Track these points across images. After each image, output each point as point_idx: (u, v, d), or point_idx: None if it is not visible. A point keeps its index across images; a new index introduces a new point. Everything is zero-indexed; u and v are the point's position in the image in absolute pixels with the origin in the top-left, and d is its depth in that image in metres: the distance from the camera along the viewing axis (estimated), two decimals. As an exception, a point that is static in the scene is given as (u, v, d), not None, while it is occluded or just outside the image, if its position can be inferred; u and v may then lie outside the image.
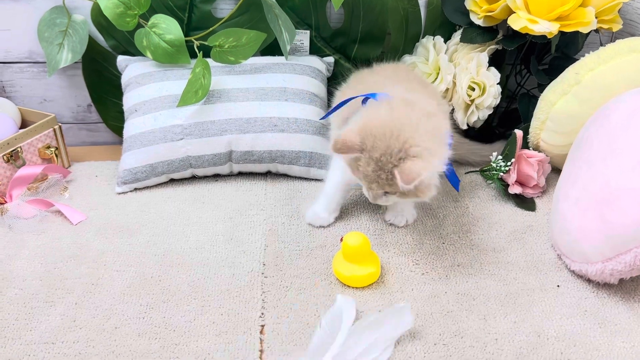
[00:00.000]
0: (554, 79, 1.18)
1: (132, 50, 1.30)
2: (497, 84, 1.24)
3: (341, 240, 0.96)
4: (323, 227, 1.10)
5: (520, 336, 0.86)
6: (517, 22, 1.14)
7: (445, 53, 1.28)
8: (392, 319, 0.85)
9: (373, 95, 0.97)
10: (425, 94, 1.02)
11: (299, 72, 1.26)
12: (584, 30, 1.14)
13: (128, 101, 1.23)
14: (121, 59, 1.29)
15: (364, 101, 1.00)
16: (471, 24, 1.25)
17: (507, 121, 1.41)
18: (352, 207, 1.16)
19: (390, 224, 1.10)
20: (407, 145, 0.85)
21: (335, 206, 1.10)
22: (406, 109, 0.89)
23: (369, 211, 1.14)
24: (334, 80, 1.34)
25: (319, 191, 1.12)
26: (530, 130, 1.21)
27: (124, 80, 1.27)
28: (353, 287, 0.95)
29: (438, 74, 1.28)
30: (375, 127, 0.87)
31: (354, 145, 0.87)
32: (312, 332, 0.86)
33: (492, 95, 1.24)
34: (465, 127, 1.29)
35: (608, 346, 0.85)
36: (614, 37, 1.35)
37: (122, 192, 1.20)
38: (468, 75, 1.24)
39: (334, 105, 1.10)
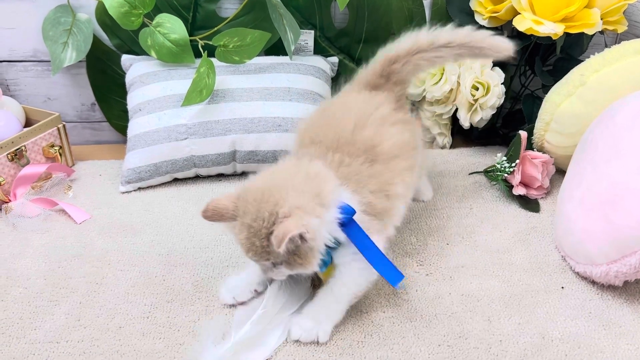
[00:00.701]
0: (558, 80, 1.18)
1: (137, 50, 1.30)
2: (501, 84, 1.24)
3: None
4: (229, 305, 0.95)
5: (525, 338, 0.86)
6: (522, 23, 1.14)
7: (449, 53, 1.28)
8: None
9: None
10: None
11: (303, 72, 1.26)
12: (589, 31, 1.14)
13: (132, 100, 1.23)
14: (125, 58, 1.29)
15: None
16: (476, 24, 1.25)
17: (511, 122, 1.41)
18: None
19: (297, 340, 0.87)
20: (277, 207, 0.76)
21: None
22: (287, 173, 0.82)
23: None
24: (337, 80, 1.34)
25: None
26: (535, 131, 1.21)
27: (128, 79, 1.27)
28: None
29: (442, 74, 1.28)
30: (250, 192, 0.80)
31: (227, 211, 0.80)
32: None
33: (495, 95, 1.24)
34: (467, 125, 1.29)
35: (612, 348, 0.85)
36: (619, 38, 1.34)
37: (126, 192, 1.20)
38: (472, 75, 1.24)
39: None
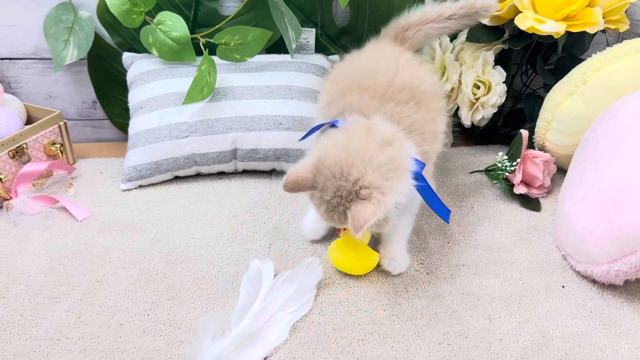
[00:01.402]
0: (560, 79, 1.17)
1: (138, 47, 1.30)
2: (503, 82, 1.23)
3: (343, 230, 0.93)
4: (316, 240, 1.05)
5: (525, 336, 0.86)
6: (523, 22, 1.14)
7: (451, 52, 1.28)
8: (304, 272, 0.91)
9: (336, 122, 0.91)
10: (416, 81, 0.95)
11: (305, 71, 1.26)
12: (591, 30, 1.13)
13: (133, 98, 1.24)
14: (127, 56, 1.29)
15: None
16: (477, 23, 1.25)
17: (513, 121, 1.40)
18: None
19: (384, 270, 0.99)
20: (356, 187, 0.79)
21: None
22: (360, 141, 0.82)
23: (373, 210, 1.14)
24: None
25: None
26: (536, 130, 1.21)
27: (129, 77, 1.27)
28: (353, 283, 0.95)
29: (444, 73, 1.28)
30: (327, 164, 0.81)
31: (307, 183, 0.82)
32: (317, 329, 0.87)
33: (497, 94, 1.23)
34: (469, 124, 1.28)
35: (613, 347, 0.85)
36: (620, 37, 1.34)
37: (127, 189, 1.20)
38: (474, 74, 1.23)
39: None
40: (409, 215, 0.98)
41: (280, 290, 0.90)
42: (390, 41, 1.09)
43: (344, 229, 0.94)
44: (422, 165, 0.85)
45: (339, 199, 0.80)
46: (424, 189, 0.87)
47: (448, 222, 0.98)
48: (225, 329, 0.84)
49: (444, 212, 0.92)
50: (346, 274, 0.97)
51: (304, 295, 0.91)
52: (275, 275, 0.92)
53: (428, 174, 0.93)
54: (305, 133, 1.01)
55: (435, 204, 0.90)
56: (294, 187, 0.82)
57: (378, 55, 1.02)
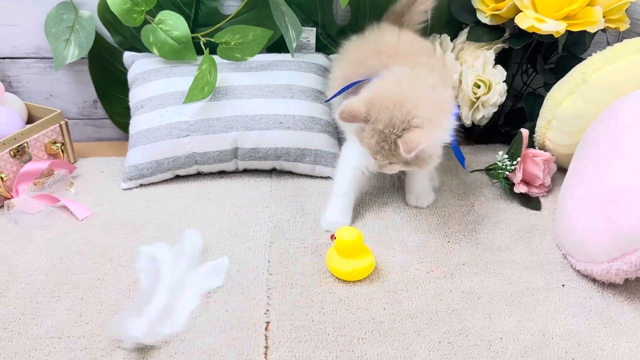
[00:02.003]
0: (560, 78, 1.18)
1: (139, 47, 1.30)
2: (503, 82, 1.23)
3: (333, 237, 0.96)
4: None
5: (525, 335, 0.86)
6: (524, 21, 1.14)
7: (451, 51, 1.28)
8: (188, 245, 0.98)
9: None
10: (429, 65, 1.03)
11: (305, 70, 1.26)
12: (591, 29, 1.13)
13: (134, 97, 1.24)
14: (127, 55, 1.29)
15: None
16: (478, 22, 1.25)
17: (513, 120, 1.41)
18: (357, 205, 1.16)
19: (415, 207, 1.15)
20: (409, 116, 0.88)
21: (349, 206, 1.10)
22: (410, 82, 0.93)
23: (373, 210, 1.14)
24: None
25: (330, 194, 1.11)
26: (536, 129, 1.21)
27: (130, 76, 1.27)
28: (354, 281, 0.96)
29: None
30: (380, 99, 0.90)
31: (360, 114, 0.90)
32: (317, 328, 0.87)
33: (497, 93, 1.23)
34: (469, 123, 1.29)
35: (613, 346, 0.85)
36: (621, 36, 1.34)
37: (128, 188, 1.20)
38: (474, 73, 1.23)
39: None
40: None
41: (176, 265, 0.94)
42: (389, 25, 1.18)
43: (332, 237, 0.96)
44: (458, 110, 0.97)
45: (392, 128, 0.89)
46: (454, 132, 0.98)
47: (464, 167, 1.14)
48: (142, 308, 0.86)
49: (461, 158, 1.05)
50: (346, 273, 0.97)
51: (196, 264, 0.97)
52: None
53: None
54: (333, 94, 1.11)
55: (456, 148, 1.03)
56: (349, 117, 0.91)
57: (381, 32, 1.14)
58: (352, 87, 1.05)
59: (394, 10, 1.20)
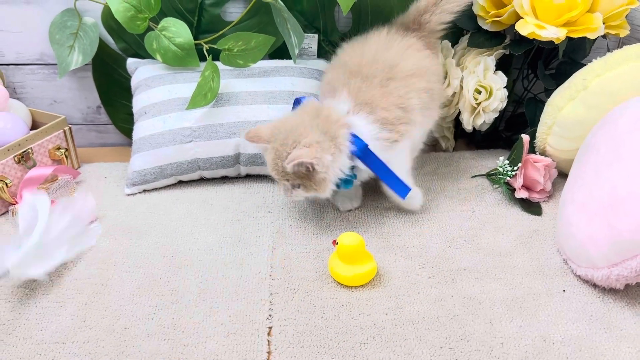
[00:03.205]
0: (561, 84, 1.18)
1: (142, 53, 1.31)
2: (504, 87, 1.24)
3: (335, 243, 0.97)
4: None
5: (526, 340, 0.87)
6: (524, 28, 1.15)
7: (452, 57, 1.29)
8: (79, 205, 1.07)
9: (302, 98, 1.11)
10: (384, 91, 1.05)
11: (307, 76, 1.27)
12: (592, 35, 1.14)
13: (137, 103, 1.25)
14: (131, 62, 1.30)
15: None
16: (479, 28, 1.26)
17: (514, 125, 1.41)
18: (359, 212, 1.16)
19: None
20: (301, 137, 0.97)
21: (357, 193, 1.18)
22: (310, 113, 1.01)
23: (375, 215, 1.15)
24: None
25: None
26: (537, 135, 1.22)
27: (133, 82, 1.28)
28: (356, 287, 0.96)
29: (445, 78, 1.28)
30: (283, 123, 1.01)
31: (263, 136, 1.01)
32: (320, 333, 0.87)
33: (498, 99, 1.24)
34: (470, 128, 1.29)
35: (614, 351, 0.85)
36: (621, 42, 1.35)
37: (131, 194, 1.21)
38: (475, 79, 1.24)
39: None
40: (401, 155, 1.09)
41: (61, 216, 1.01)
42: (401, 29, 1.16)
43: (334, 242, 0.97)
44: (363, 143, 1.00)
45: (285, 146, 0.97)
46: (368, 159, 1.02)
47: (404, 199, 1.08)
48: (20, 243, 0.94)
49: (399, 188, 1.06)
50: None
51: (80, 225, 1.05)
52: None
53: (404, 149, 1.08)
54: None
55: (388, 177, 1.05)
56: (254, 138, 1.01)
57: (375, 39, 1.13)
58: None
59: (417, 7, 1.17)
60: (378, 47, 1.09)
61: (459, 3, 1.16)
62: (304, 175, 0.98)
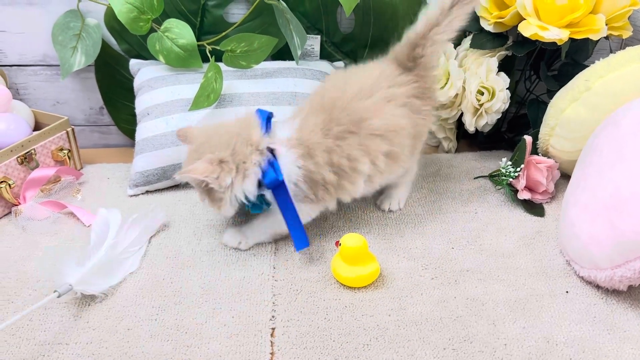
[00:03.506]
0: (563, 86, 1.18)
1: (145, 54, 1.31)
2: (506, 89, 1.24)
3: (337, 244, 0.97)
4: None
5: (530, 342, 0.87)
6: (527, 29, 1.15)
7: (455, 59, 1.29)
8: (148, 217, 1.07)
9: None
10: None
11: (310, 77, 1.27)
12: (594, 37, 1.14)
13: (140, 104, 1.25)
14: (134, 63, 1.31)
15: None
16: (481, 29, 1.26)
17: (516, 126, 1.41)
18: (362, 213, 1.16)
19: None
20: (213, 149, 0.94)
21: None
22: (242, 127, 0.97)
23: (377, 216, 1.15)
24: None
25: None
26: (540, 136, 1.22)
27: (136, 83, 1.28)
28: (359, 288, 0.96)
29: (448, 79, 1.29)
30: (213, 129, 0.99)
31: (188, 136, 1.00)
32: (323, 334, 0.87)
33: (501, 100, 1.24)
34: (472, 129, 1.29)
35: (617, 352, 0.85)
36: (624, 44, 1.35)
37: (134, 195, 1.21)
38: (477, 80, 1.24)
39: None
40: (272, 225, 1.05)
41: (128, 231, 1.03)
42: (399, 65, 1.05)
43: (337, 244, 0.97)
44: (276, 178, 0.94)
45: (194, 154, 0.96)
46: (279, 195, 0.96)
47: (297, 251, 1.00)
48: (84, 260, 0.95)
49: (299, 239, 0.99)
50: (351, 280, 0.98)
51: (151, 233, 1.08)
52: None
53: (314, 205, 1.01)
54: None
55: (292, 222, 0.98)
56: (181, 137, 1.01)
57: (362, 77, 1.02)
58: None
59: (408, 40, 1.03)
60: (360, 89, 0.99)
61: (449, 30, 1.03)
62: (205, 190, 0.96)
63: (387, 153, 0.99)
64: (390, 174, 1.05)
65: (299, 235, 0.99)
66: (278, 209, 0.98)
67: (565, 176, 1.21)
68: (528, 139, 1.16)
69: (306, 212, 1.02)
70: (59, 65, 1.34)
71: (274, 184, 0.95)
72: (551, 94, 1.22)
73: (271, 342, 0.87)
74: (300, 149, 0.96)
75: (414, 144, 1.05)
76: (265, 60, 1.26)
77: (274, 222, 1.03)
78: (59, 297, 0.88)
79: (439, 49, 1.04)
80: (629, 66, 1.10)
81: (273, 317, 0.91)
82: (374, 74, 1.02)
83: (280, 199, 0.96)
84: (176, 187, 1.24)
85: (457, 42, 1.34)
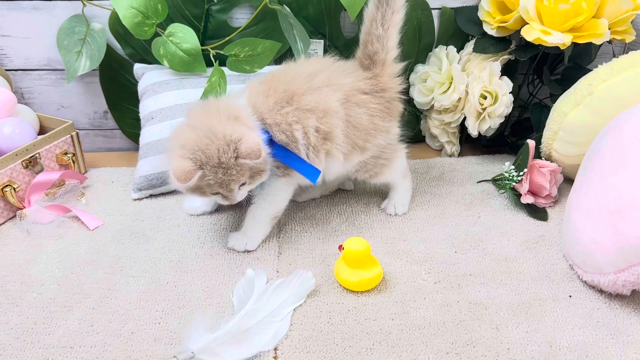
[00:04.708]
0: (566, 90, 1.18)
1: (149, 59, 1.32)
2: (509, 93, 1.24)
3: (341, 248, 0.97)
4: (196, 215, 1.15)
5: (533, 346, 0.87)
6: (530, 33, 1.15)
7: (457, 63, 1.29)
8: (296, 283, 0.94)
9: None
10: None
11: (313, 81, 1.28)
12: (597, 41, 1.14)
13: (144, 109, 1.25)
14: (138, 67, 1.31)
15: None
16: (484, 34, 1.26)
17: (519, 130, 1.41)
18: (365, 217, 1.17)
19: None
20: (227, 137, 0.90)
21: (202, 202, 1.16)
22: (210, 114, 0.95)
23: (381, 220, 1.15)
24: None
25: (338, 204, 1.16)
26: (543, 140, 1.22)
27: (140, 88, 1.29)
28: (362, 292, 0.96)
29: (451, 83, 1.29)
30: (194, 142, 0.91)
31: (192, 168, 0.90)
32: (326, 338, 0.88)
33: (504, 104, 1.24)
34: (476, 133, 1.29)
35: (620, 357, 0.85)
36: (627, 48, 1.35)
37: (138, 199, 1.21)
38: (480, 84, 1.24)
39: None
40: (265, 208, 1.06)
41: (272, 296, 0.92)
42: (358, 63, 1.08)
43: (340, 247, 0.97)
44: (268, 135, 0.97)
45: (225, 154, 0.91)
46: (275, 148, 0.98)
47: (314, 183, 1.01)
48: (218, 324, 0.86)
49: (309, 172, 0.99)
50: (354, 283, 0.98)
51: (294, 305, 0.93)
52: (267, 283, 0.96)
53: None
54: None
55: (298, 165, 0.99)
56: (187, 177, 0.90)
57: (317, 64, 1.06)
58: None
59: (365, 52, 1.06)
60: (308, 72, 1.02)
61: (389, 24, 1.03)
62: (251, 167, 0.94)
63: (317, 129, 0.99)
64: (348, 159, 1.05)
65: (308, 169, 0.99)
66: (261, 196, 1.03)
67: (569, 180, 1.21)
68: (531, 142, 1.16)
69: (282, 190, 1.04)
70: (63, 70, 1.34)
71: (269, 140, 0.97)
72: (554, 98, 1.22)
73: (275, 346, 0.87)
74: (256, 114, 0.98)
75: (357, 134, 1.03)
76: (268, 64, 1.26)
77: (265, 207, 1.05)
78: None
79: (387, 44, 1.05)
80: (632, 70, 1.10)
81: (276, 321, 0.91)
82: (330, 64, 1.06)
83: (280, 152, 0.98)
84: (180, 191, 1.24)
85: (460, 46, 1.34)
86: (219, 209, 1.18)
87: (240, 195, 0.97)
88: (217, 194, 0.96)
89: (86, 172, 1.32)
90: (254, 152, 0.90)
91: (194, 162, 0.91)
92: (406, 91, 1.37)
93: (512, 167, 1.18)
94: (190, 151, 0.91)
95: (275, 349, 0.86)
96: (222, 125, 0.92)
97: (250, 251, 1.06)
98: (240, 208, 1.17)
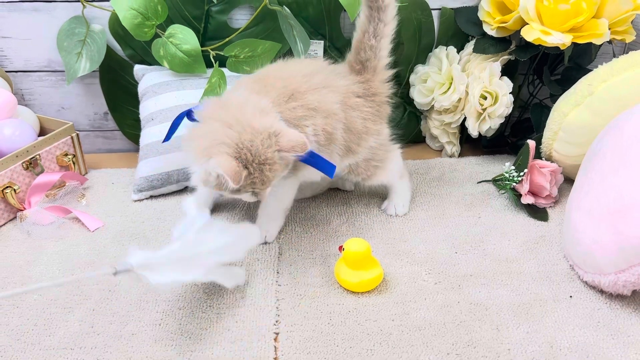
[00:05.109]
0: (566, 90, 1.18)
1: (149, 60, 1.32)
2: (510, 93, 1.24)
3: (341, 249, 0.97)
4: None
5: (533, 347, 0.87)
6: (530, 34, 1.15)
7: (457, 63, 1.29)
8: (240, 233, 0.92)
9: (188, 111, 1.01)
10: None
11: (313, 82, 1.28)
12: (597, 41, 1.14)
13: (144, 110, 1.25)
14: (138, 68, 1.31)
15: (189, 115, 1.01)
16: (484, 34, 1.26)
17: (520, 131, 1.41)
18: (365, 218, 1.17)
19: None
20: (268, 130, 0.88)
21: (204, 201, 1.15)
22: (241, 106, 0.92)
23: (381, 221, 1.15)
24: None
25: (337, 206, 1.17)
26: (543, 140, 1.21)
27: (140, 89, 1.29)
28: (362, 293, 0.96)
29: (451, 84, 1.29)
30: (235, 139, 0.88)
31: (240, 168, 0.87)
32: (326, 339, 0.88)
33: (504, 105, 1.24)
34: (476, 134, 1.29)
35: (621, 357, 0.85)
36: (627, 48, 1.35)
37: (138, 200, 1.21)
38: (480, 84, 1.24)
39: None
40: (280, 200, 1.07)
41: (218, 235, 0.89)
42: (348, 66, 1.08)
43: (340, 248, 0.97)
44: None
45: (269, 148, 0.89)
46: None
47: (332, 177, 0.97)
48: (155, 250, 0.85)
49: (327, 169, 0.95)
50: (355, 284, 0.98)
51: (232, 255, 0.91)
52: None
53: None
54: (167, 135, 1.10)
55: (318, 163, 0.95)
56: (239, 178, 0.87)
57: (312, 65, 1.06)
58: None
59: (356, 56, 1.06)
60: (303, 72, 1.01)
61: (382, 35, 1.04)
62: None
63: (323, 129, 0.98)
64: (341, 161, 1.05)
65: (324, 163, 0.95)
66: (271, 193, 0.97)
67: (569, 180, 1.21)
68: (531, 143, 1.16)
69: (289, 187, 1.05)
70: (63, 71, 1.34)
71: None
72: (554, 98, 1.22)
73: (275, 347, 0.87)
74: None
75: (351, 138, 1.03)
76: (268, 65, 1.26)
77: (278, 200, 1.06)
78: (115, 274, 0.79)
79: (379, 53, 1.05)
80: (632, 70, 1.10)
81: (277, 321, 0.91)
82: (324, 66, 1.06)
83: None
84: (180, 192, 1.24)
85: (460, 47, 1.34)
86: (215, 209, 1.18)
87: (267, 192, 0.94)
88: (250, 191, 0.93)
89: (86, 173, 1.32)
90: (299, 145, 0.88)
91: (239, 161, 0.88)
92: (406, 93, 1.38)
93: (513, 167, 1.18)
94: (234, 149, 0.88)
95: (276, 349, 0.86)
96: (257, 119, 0.89)
97: (269, 243, 1.08)
98: (241, 208, 1.17)
